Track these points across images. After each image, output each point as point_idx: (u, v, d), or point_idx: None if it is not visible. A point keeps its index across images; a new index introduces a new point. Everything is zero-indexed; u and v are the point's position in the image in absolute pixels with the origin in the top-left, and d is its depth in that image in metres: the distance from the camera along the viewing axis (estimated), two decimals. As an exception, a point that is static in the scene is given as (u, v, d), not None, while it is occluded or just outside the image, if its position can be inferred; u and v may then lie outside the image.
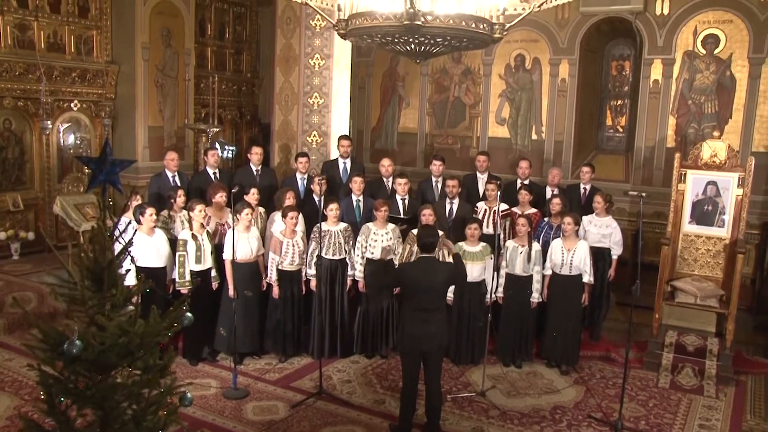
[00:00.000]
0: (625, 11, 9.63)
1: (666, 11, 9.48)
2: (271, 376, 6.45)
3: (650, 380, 6.66)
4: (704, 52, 9.32)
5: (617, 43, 10.61)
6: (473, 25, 4.24)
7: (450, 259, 6.03)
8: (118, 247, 2.60)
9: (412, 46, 4.36)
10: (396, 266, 6.76)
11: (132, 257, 2.64)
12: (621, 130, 10.84)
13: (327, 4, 5.23)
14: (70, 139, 9.86)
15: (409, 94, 11.75)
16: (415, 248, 6.68)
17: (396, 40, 4.34)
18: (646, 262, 9.74)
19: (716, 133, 7.54)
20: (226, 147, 9.79)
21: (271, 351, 6.89)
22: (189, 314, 2.82)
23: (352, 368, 6.72)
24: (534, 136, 10.64)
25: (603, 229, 7.31)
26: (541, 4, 4.60)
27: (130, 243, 2.57)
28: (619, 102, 10.81)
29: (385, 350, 7.03)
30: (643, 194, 5.44)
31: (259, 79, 12.90)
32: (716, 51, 9.26)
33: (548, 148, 10.53)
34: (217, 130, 10.14)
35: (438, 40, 4.29)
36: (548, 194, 7.79)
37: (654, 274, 7.33)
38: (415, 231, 6.84)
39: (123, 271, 2.56)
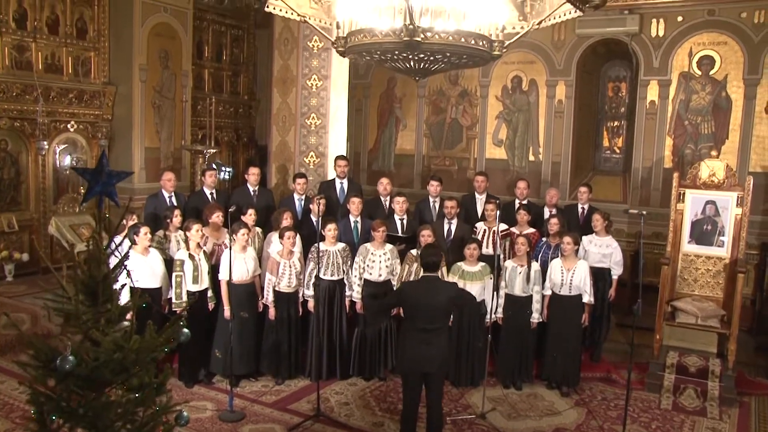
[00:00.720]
0: (620, 33, 9.70)
1: (661, 33, 9.55)
2: (268, 399, 6.34)
3: (652, 402, 6.57)
4: (700, 73, 9.37)
5: (613, 64, 10.67)
6: (473, 42, 4.23)
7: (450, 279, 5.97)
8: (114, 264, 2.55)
9: (412, 63, 4.35)
10: (394, 287, 6.71)
11: (128, 271, 2.58)
12: (618, 151, 10.85)
13: (325, 23, 5.24)
14: (67, 160, 9.81)
15: (406, 116, 11.76)
16: (414, 268, 6.63)
17: (395, 57, 4.33)
18: (645, 282, 9.66)
19: (714, 153, 7.54)
20: (223, 168, 9.79)
21: (267, 373, 6.79)
22: (186, 330, 2.75)
23: (350, 390, 6.61)
24: (531, 157, 10.64)
25: (603, 249, 7.26)
26: (540, 22, 4.60)
27: (126, 256, 2.51)
28: (616, 123, 10.84)
29: (384, 372, 6.93)
30: (644, 212, 5.40)
31: (256, 101, 12.92)
32: (712, 72, 9.31)
33: (545, 169, 10.52)
34: (214, 151, 10.12)
35: (437, 56, 4.27)
36: (546, 214, 7.75)
37: (653, 295, 7.27)
38: (413, 251, 6.80)
39: (118, 286, 2.49)
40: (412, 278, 6.51)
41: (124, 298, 2.69)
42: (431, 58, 4.29)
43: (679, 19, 9.43)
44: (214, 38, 11.99)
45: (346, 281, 6.80)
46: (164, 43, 10.20)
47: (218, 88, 12.08)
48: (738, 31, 9.09)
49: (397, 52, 4.25)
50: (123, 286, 2.58)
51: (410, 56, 4.27)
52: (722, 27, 9.20)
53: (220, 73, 12.20)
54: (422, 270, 5.19)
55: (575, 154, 10.45)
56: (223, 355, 6.43)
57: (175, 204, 7.39)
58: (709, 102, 9.33)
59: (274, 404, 6.22)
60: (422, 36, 4.01)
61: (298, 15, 4.93)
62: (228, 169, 10.08)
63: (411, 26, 3.94)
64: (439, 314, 4.99)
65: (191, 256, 6.33)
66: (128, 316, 2.50)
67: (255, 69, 12.91)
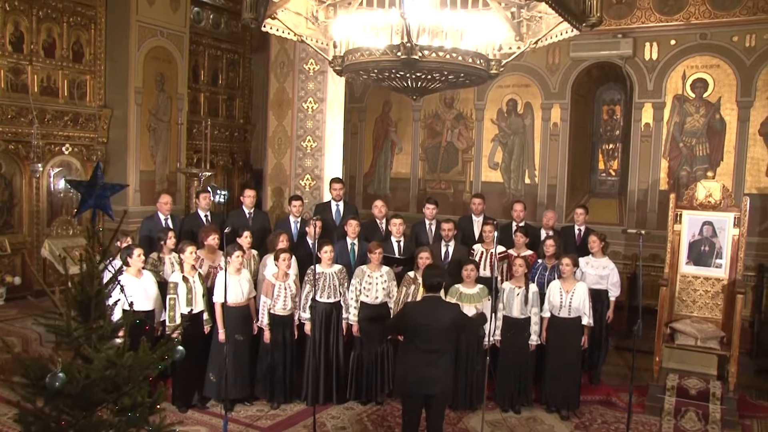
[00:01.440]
0: (614, 56, 9.78)
1: (655, 56, 9.62)
2: (264, 423, 6.23)
3: (653, 425, 6.48)
4: (693, 95, 9.43)
5: (608, 87, 10.73)
6: (470, 60, 4.23)
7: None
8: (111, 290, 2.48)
9: (409, 81, 4.34)
10: (391, 310, 6.64)
11: (122, 286, 2.52)
12: (613, 173, 10.87)
13: (322, 43, 5.25)
14: (61, 183, 9.76)
15: (401, 139, 11.78)
16: (411, 290, 6.57)
17: (393, 75, 4.32)
18: (643, 305, 9.64)
19: (710, 174, 7.56)
20: (218, 192, 9.74)
21: (263, 397, 6.67)
22: (181, 348, 2.68)
23: (346, 414, 6.50)
24: (527, 180, 10.64)
25: (600, 271, 7.22)
26: (537, 41, 4.61)
27: (119, 271, 2.45)
28: (611, 146, 10.88)
29: (381, 396, 6.83)
30: (642, 232, 5.37)
31: (251, 125, 12.93)
32: (705, 95, 9.37)
33: (541, 192, 10.52)
34: (209, 174, 10.09)
35: (435, 75, 4.27)
36: (543, 236, 7.71)
37: (651, 318, 7.21)
38: (411, 273, 6.74)
39: (111, 302, 2.43)
40: (409, 300, 6.44)
41: (117, 314, 2.62)
42: (429, 76, 4.28)
43: (672, 42, 9.52)
44: (210, 62, 12.04)
45: (342, 303, 6.72)
46: (160, 67, 10.22)
47: (214, 111, 12.08)
48: (730, 54, 9.18)
49: (394, 71, 4.24)
50: (116, 302, 2.52)
51: (408, 74, 4.26)
52: (714, 50, 9.28)
53: (216, 97, 12.22)
54: (425, 290, 5.13)
55: (571, 177, 10.46)
56: (218, 379, 6.32)
57: (170, 226, 7.33)
58: (704, 124, 9.38)
59: (269, 429, 6.11)
60: (420, 54, 4.00)
61: (296, 35, 4.93)
62: (223, 193, 10.03)
63: (408, 44, 3.93)
64: (442, 335, 4.90)
65: (185, 279, 6.26)
66: (121, 333, 2.43)
67: (251, 93, 12.94)
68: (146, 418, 2.40)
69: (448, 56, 4.13)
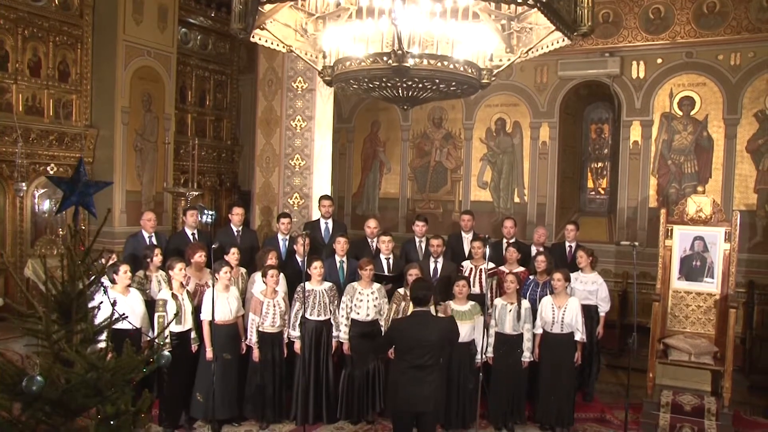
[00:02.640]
0: (602, 75, 9.84)
1: (642, 75, 9.70)
2: (251, 444, 6.07)
3: (649, 442, 6.38)
4: (681, 113, 9.49)
5: (596, 106, 10.79)
6: (462, 69, 4.20)
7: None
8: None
9: (400, 90, 4.30)
10: (382, 327, 6.53)
11: (114, 301, 2.41)
12: (602, 192, 10.88)
13: (311, 56, 5.21)
14: (46, 204, 9.61)
15: (390, 159, 11.75)
16: (402, 306, 6.47)
17: (383, 84, 4.28)
18: (632, 324, 9.60)
19: (700, 188, 7.56)
20: (206, 212, 9.62)
21: (251, 417, 6.51)
22: (167, 353, 2.57)
23: (336, 435, 6.36)
24: (516, 199, 10.62)
25: (589, 286, 7.16)
26: (528, 51, 4.60)
27: (103, 272, 2.35)
28: (600, 164, 10.90)
29: (372, 416, 6.68)
30: (636, 243, 5.32)
31: (239, 147, 12.87)
32: (692, 112, 9.44)
33: (531, 211, 10.50)
34: (197, 194, 9.98)
35: (426, 84, 4.23)
36: (534, 253, 7.65)
37: (642, 336, 7.13)
38: (401, 290, 6.65)
39: (95, 303, 2.32)
40: (400, 317, 6.33)
41: (101, 318, 2.52)
42: (419, 85, 4.24)
43: (659, 61, 9.60)
44: (198, 83, 12.01)
45: (333, 321, 6.61)
46: (147, 87, 10.17)
47: (201, 132, 12.02)
48: (716, 72, 9.26)
49: (384, 79, 4.20)
50: (100, 304, 2.41)
51: (398, 83, 4.22)
52: (700, 69, 9.37)
53: (203, 118, 12.17)
54: (413, 305, 5.04)
55: (560, 196, 10.46)
56: (205, 399, 6.16)
57: (155, 244, 7.20)
58: (692, 141, 9.42)
59: (257, 450, 5.94)
60: (411, 62, 3.97)
61: (285, 46, 4.89)
62: (210, 213, 9.90)
63: (399, 51, 3.89)
64: (432, 350, 4.80)
65: (174, 296, 6.13)
66: (103, 336, 2.32)
67: (238, 114, 12.90)
68: (129, 428, 2.28)
69: (439, 64, 4.10)
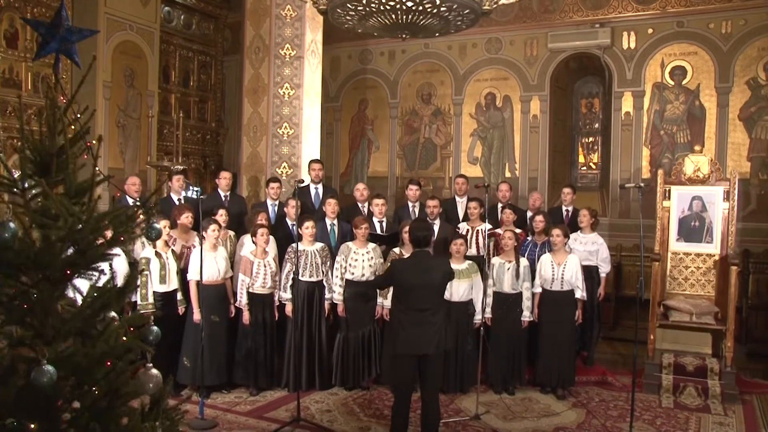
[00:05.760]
0: (592, 46, 9.72)
1: (633, 45, 9.59)
2: (243, 408, 5.82)
3: (652, 401, 6.22)
4: (672, 83, 9.39)
5: (586, 81, 10.67)
6: (463, -11, 4.01)
7: None
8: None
9: (399, 14, 4.10)
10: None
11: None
12: (594, 167, 10.75)
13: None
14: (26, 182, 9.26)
15: (378, 137, 11.55)
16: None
17: (382, 9, 4.08)
18: (628, 296, 9.45)
19: (697, 147, 7.43)
20: (191, 188, 9.34)
21: (242, 383, 6.26)
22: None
23: (331, 399, 6.12)
24: (508, 174, 10.45)
25: (589, 246, 7.01)
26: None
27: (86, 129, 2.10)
28: (591, 139, 10.78)
29: (367, 382, 6.46)
30: (642, 184, 5.16)
31: (224, 129, 12.60)
32: (684, 82, 9.33)
33: (522, 185, 10.33)
34: (182, 168, 9.69)
35: (427, 6, 4.04)
36: (530, 216, 7.49)
37: (636, 310, 6.97)
38: (396, 249, 6.45)
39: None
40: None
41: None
42: (420, 8, 4.05)
43: (650, 31, 9.50)
44: (182, 63, 11.71)
45: (325, 283, 6.38)
46: (130, 62, 9.87)
47: (185, 114, 11.68)
48: (707, 41, 9.17)
49: (384, 1, 4.00)
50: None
51: (397, 5, 4.02)
52: (692, 38, 9.28)
53: (187, 99, 11.87)
54: (412, 246, 4.84)
55: (551, 170, 10.31)
56: (192, 364, 5.91)
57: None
58: (684, 111, 9.32)
59: (249, 413, 5.69)
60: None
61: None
62: (196, 189, 9.62)
63: (400, -36, 3.71)
64: (434, 292, 4.60)
65: (158, 254, 5.88)
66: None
67: (223, 96, 12.63)
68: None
69: (441, -18, 3.91)
